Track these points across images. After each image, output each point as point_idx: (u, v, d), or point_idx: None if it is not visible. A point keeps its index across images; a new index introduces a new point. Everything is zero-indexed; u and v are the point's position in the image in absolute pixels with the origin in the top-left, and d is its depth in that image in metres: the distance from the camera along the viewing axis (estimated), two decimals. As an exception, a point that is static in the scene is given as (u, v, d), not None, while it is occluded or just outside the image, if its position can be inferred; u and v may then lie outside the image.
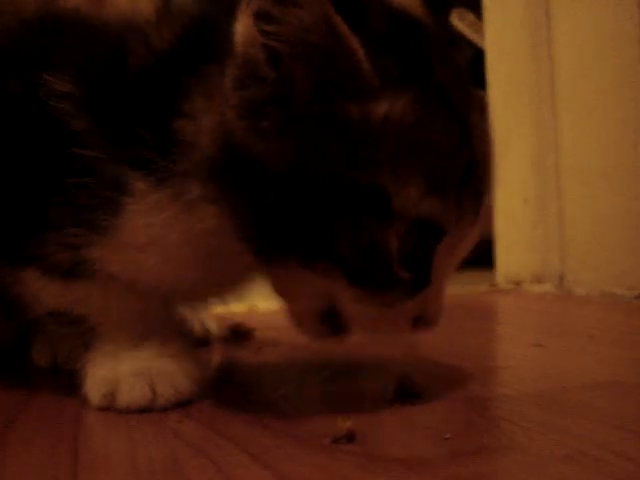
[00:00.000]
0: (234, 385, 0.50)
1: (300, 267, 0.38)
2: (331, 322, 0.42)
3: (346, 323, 0.42)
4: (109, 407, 0.44)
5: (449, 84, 0.39)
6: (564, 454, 0.32)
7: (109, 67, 0.41)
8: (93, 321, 0.46)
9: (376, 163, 0.37)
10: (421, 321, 0.42)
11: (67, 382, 0.49)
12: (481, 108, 0.43)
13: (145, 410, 0.43)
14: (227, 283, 0.48)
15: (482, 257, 1.24)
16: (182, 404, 0.44)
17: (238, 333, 0.70)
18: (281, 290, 0.42)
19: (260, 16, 0.36)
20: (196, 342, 0.57)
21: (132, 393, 0.43)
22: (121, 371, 0.44)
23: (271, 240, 0.39)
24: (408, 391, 0.44)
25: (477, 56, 1.80)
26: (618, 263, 0.95)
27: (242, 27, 0.36)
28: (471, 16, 2.02)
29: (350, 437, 0.35)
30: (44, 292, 0.45)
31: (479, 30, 1.81)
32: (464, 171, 0.39)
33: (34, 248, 0.43)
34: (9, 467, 0.35)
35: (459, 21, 2.09)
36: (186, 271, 0.43)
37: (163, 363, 0.45)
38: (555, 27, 1.08)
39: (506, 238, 1.17)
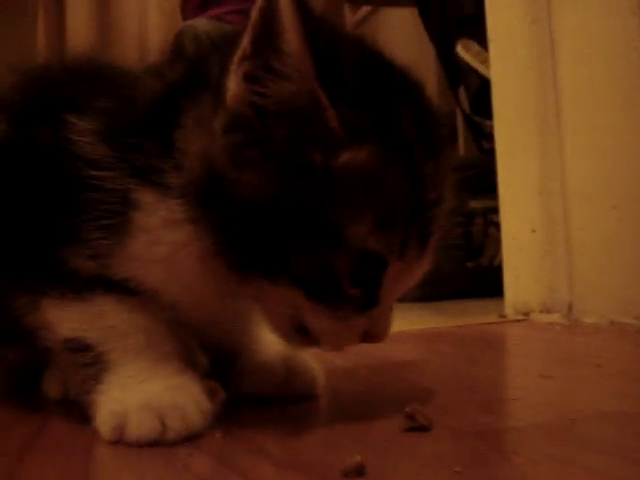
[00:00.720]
0: (242, 417, 0.50)
1: (267, 282, 0.44)
2: (302, 332, 0.47)
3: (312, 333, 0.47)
4: (119, 440, 0.44)
5: (410, 135, 0.44)
6: None
7: (124, 101, 0.48)
8: (103, 349, 0.47)
9: (332, 200, 0.42)
10: (369, 336, 0.47)
11: (78, 413, 0.49)
12: (444, 156, 0.48)
13: (154, 444, 0.43)
14: (220, 301, 0.50)
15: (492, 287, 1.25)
16: (192, 437, 0.44)
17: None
18: (258, 302, 0.48)
19: (250, 78, 0.42)
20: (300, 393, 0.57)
21: (141, 427, 0.43)
22: (130, 404, 0.45)
23: (241, 257, 0.44)
24: (417, 423, 0.44)
25: (483, 86, 1.83)
26: (626, 292, 0.95)
27: (233, 85, 0.42)
28: (476, 46, 2.05)
29: (360, 471, 0.35)
30: (59, 318, 0.48)
31: (485, 60, 1.84)
32: (411, 213, 0.44)
33: (58, 262, 0.46)
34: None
35: (465, 52, 2.12)
36: (186, 281, 0.47)
37: (173, 396, 0.45)
38: (560, 55, 1.09)
39: (515, 268, 1.18)
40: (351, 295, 0.44)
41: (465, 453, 0.41)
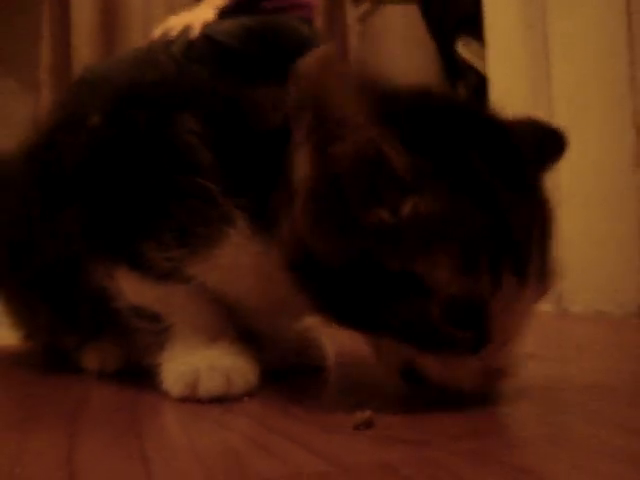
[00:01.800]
0: (266, 385, 0.57)
1: (371, 336, 0.47)
2: (413, 375, 0.47)
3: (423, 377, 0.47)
4: (190, 397, 0.51)
5: (480, 173, 0.43)
6: (547, 433, 0.40)
7: (237, 121, 0.52)
8: (170, 322, 0.54)
9: (407, 252, 0.43)
10: (489, 374, 0.46)
11: (117, 383, 0.57)
12: (531, 190, 0.47)
13: (221, 398, 0.51)
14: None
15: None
16: (250, 392, 0.52)
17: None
18: (369, 345, 0.49)
19: (319, 149, 0.44)
20: (312, 366, 0.64)
21: (211, 383, 0.51)
22: (200, 365, 0.52)
23: (335, 317, 0.47)
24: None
25: (481, 83, 1.88)
26: (611, 284, 1.02)
27: (304, 158, 0.45)
28: (476, 44, 2.10)
29: (369, 424, 0.43)
30: (131, 288, 0.54)
31: (483, 58, 1.90)
32: (496, 251, 0.42)
33: (140, 252, 0.52)
34: (85, 445, 0.42)
35: (465, 49, 2.17)
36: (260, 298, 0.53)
37: (233, 359, 0.53)
38: (553, 58, 1.16)
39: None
40: (458, 337, 0.44)
41: (462, 408, 0.47)
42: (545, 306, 1.14)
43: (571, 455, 0.36)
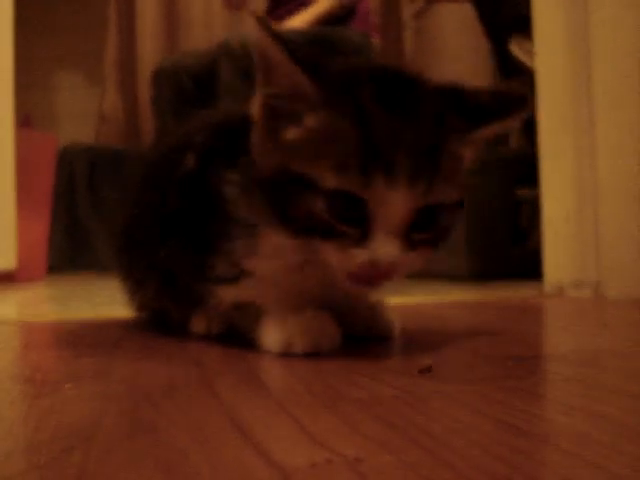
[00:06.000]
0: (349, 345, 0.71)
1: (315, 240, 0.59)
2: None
3: None
4: (287, 353, 0.65)
5: (365, 104, 0.56)
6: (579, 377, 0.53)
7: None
8: (258, 303, 0.69)
9: (303, 158, 0.57)
10: (373, 266, 0.57)
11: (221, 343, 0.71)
12: (410, 114, 0.57)
13: (312, 354, 0.64)
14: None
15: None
16: (332, 351, 0.65)
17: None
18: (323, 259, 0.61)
19: (260, 90, 0.60)
20: (380, 336, 0.75)
21: (305, 342, 0.65)
22: (293, 329, 0.66)
23: (282, 227, 0.61)
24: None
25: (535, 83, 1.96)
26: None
27: (256, 100, 0.62)
28: (529, 44, 2.18)
29: (429, 369, 0.56)
30: (227, 295, 0.71)
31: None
32: (365, 156, 0.54)
33: (213, 267, 0.69)
34: (224, 382, 0.57)
35: (518, 49, 2.26)
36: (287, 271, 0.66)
37: (319, 322, 0.66)
38: (594, 51, 1.23)
39: (552, 251, 1.34)
40: (344, 231, 0.56)
41: (502, 364, 0.60)
42: (584, 292, 1.25)
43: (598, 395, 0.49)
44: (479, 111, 0.62)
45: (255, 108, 0.61)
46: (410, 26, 3.28)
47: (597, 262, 1.23)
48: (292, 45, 0.58)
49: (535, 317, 1.07)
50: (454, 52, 2.98)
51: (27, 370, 0.64)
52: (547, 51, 1.37)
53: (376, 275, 0.58)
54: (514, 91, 0.65)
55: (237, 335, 0.73)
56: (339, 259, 0.58)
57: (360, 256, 0.57)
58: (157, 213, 0.76)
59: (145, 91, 3.02)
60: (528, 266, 1.52)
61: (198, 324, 0.81)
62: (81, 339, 0.86)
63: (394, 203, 0.55)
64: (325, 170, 0.55)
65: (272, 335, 0.67)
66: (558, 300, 1.23)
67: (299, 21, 2.23)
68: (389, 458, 0.34)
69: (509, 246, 1.81)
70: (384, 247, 0.56)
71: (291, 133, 0.58)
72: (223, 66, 2.11)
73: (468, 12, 2.55)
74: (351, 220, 0.56)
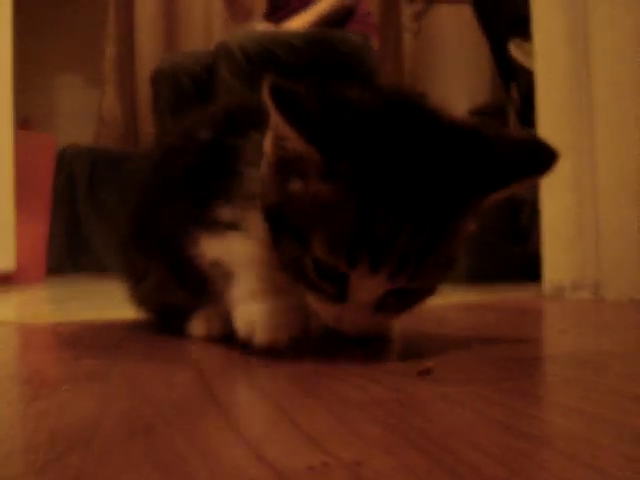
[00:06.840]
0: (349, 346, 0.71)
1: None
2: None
3: None
4: (248, 343, 0.65)
5: (376, 183, 0.54)
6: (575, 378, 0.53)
7: None
8: (234, 271, 0.68)
9: (301, 214, 0.58)
10: (339, 325, 0.62)
11: (223, 345, 0.71)
12: (414, 204, 0.55)
13: (271, 348, 0.64)
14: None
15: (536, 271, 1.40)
16: (293, 346, 0.64)
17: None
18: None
19: (275, 142, 0.60)
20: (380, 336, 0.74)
21: (262, 336, 0.65)
22: (256, 318, 0.65)
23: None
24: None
25: (534, 84, 1.96)
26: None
27: (269, 141, 0.61)
28: (528, 45, 2.18)
29: (429, 371, 0.56)
30: (207, 245, 0.70)
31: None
32: (356, 244, 0.55)
33: (207, 216, 0.69)
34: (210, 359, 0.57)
35: (517, 51, 2.26)
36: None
37: (282, 316, 0.65)
38: (593, 51, 1.23)
39: (551, 252, 1.33)
40: (324, 288, 0.59)
41: (502, 366, 0.61)
42: (583, 293, 1.25)
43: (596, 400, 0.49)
44: (503, 166, 0.58)
45: (267, 143, 0.61)
46: (409, 27, 3.29)
47: (597, 263, 1.24)
48: (304, 118, 0.56)
49: (534, 319, 1.07)
50: (453, 53, 2.99)
51: (26, 371, 0.64)
52: (547, 51, 1.37)
53: (346, 333, 0.62)
54: (542, 144, 0.60)
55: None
56: (317, 307, 0.62)
57: (335, 312, 0.61)
58: (166, 188, 0.77)
59: (144, 92, 3.03)
60: (528, 267, 1.51)
61: (198, 326, 0.80)
62: (80, 340, 0.86)
63: (372, 287, 0.58)
64: (317, 240, 0.57)
65: (239, 318, 0.67)
66: (556, 302, 1.23)
67: (299, 22, 2.23)
68: (388, 461, 0.34)
69: (509, 247, 1.80)
70: (353, 315, 0.60)
71: (296, 186, 0.59)
72: (222, 67, 2.11)
73: (467, 14, 2.56)
74: (332, 280, 0.59)
